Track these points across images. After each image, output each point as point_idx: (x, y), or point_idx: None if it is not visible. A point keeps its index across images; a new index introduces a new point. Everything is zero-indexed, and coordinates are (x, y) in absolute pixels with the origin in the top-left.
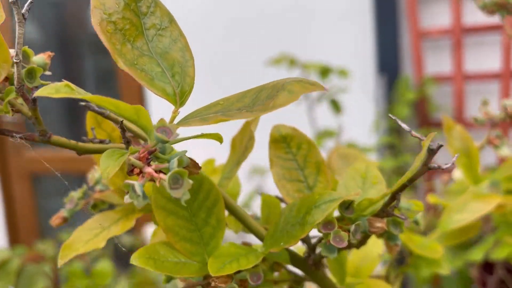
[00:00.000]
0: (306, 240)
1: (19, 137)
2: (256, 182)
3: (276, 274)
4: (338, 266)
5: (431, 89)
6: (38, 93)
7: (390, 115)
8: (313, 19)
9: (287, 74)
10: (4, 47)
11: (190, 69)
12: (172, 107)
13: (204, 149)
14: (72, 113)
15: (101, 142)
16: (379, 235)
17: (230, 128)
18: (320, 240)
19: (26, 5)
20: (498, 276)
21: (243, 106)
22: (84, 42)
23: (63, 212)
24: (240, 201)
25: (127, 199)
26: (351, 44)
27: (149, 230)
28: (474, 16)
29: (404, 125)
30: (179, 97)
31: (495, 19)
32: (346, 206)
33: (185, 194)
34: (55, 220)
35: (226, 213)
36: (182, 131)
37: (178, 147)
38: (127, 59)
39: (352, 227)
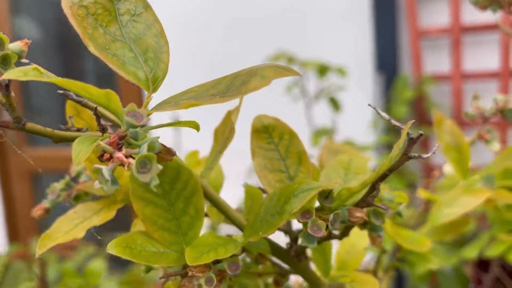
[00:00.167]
0: (288, 232)
1: None
2: (256, 181)
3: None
4: (322, 258)
5: (429, 87)
6: (5, 76)
7: (369, 104)
8: (312, 18)
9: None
10: None
11: (164, 55)
12: (171, 112)
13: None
14: None
15: (79, 130)
16: (362, 227)
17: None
18: (301, 230)
19: None
20: (494, 274)
21: (217, 92)
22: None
23: (45, 203)
24: (240, 201)
25: (96, 184)
26: (350, 43)
27: None
28: (473, 15)
29: (383, 114)
30: (151, 83)
31: (493, 18)
32: (326, 195)
33: (153, 178)
34: (36, 211)
35: (209, 204)
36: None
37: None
38: (98, 43)
39: (331, 216)
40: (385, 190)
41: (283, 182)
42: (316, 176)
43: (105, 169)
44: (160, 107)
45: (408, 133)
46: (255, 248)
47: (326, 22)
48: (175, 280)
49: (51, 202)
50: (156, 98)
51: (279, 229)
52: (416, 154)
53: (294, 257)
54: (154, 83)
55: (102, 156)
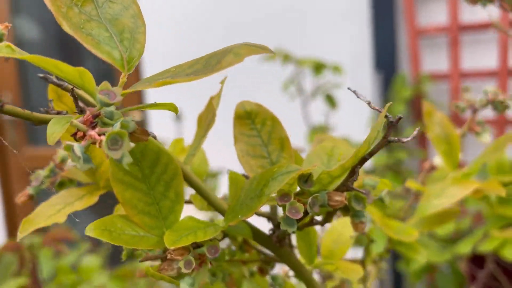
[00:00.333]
0: (271, 218)
1: None
2: None
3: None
4: (307, 246)
5: (427, 86)
6: None
7: (349, 87)
8: (311, 17)
9: (282, 69)
10: None
11: (140, 36)
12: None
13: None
14: None
15: (58, 113)
16: (345, 213)
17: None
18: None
19: None
20: (488, 270)
21: (193, 71)
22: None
23: (29, 190)
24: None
25: (69, 162)
26: (349, 42)
27: None
28: (471, 14)
29: (362, 96)
30: (126, 62)
31: (491, 17)
32: (305, 179)
33: (125, 155)
34: (20, 198)
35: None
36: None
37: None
38: (73, 22)
39: (309, 200)
40: (368, 177)
41: (265, 168)
42: (299, 162)
43: (77, 146)
44: (134, 86)
45: (387, 116)
46: (236, 232)
47: (325, 22)
48: (156, 265)
49: (35, 188)
50: (156, 96)
51: (263, 215)
52: (396, 138)
53: (276, 242)
54: (130, 63)
55: (76, 135)
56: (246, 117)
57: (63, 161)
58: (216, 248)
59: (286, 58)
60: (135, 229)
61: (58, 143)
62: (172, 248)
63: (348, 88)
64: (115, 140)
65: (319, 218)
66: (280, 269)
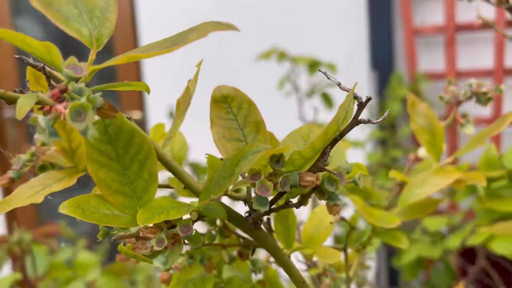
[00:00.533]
0: (247, 200)
1: None
2: None
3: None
4: (285, 230)
5: (423, 85)
6: None
7: (328, 74)
8: (308, 16)
9: (277, 67)
10: None
11: (111, 15)
12: (166, 104)
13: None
14: None
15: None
16: (320, 196)
17: None
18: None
19: None
20: (480, 265)
21: (161, 47)
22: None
23: (10, 173)
24: None
25: (37, 135)
26: (346, 41)
27: None
28: (468, 13)
29: (332, 78)
30: (95, 40)
31: (489, 16)
32: (276, 160)
33: (88, 128)
34: (0, 181)
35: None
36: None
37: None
38: None
39: (280, 179)
40: (343, 160)
41: None
42: (275, 145)
43: (41, 118)
44: (106, 62)
45: (357, 98)
46: (211, 214)
47: (323, 21)
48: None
49: (16, 172)
50: (156, 95)
51: (239, 198)
52: (366, 119)
53: (252, 224)
54: (99, 40)
55: (43, 109)
56: (223, 100)
57: (43, 145)
58: (189, 227)
59: (282, 56)
60: (110, 208)
61: None
62: (144, 226)
63: (324, 73)
64: (78, 113)
65: (294, 200)
66: (264, 254)
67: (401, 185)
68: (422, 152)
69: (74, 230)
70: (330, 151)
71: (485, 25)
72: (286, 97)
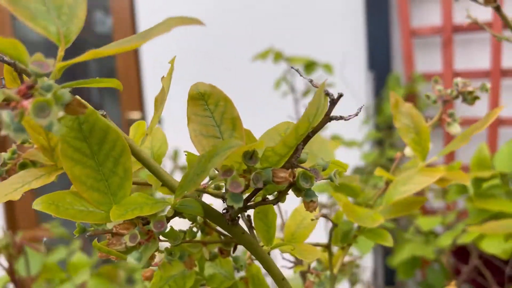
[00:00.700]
0: (224, 197)
1: None
2: None
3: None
4: (265, 227)
5: (420, 86)
6: None
7: (299, 71)
8: (305, 16)
9: (273, 68)
10: None
11: (80, 11)
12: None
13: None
14: None
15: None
16: (297, 193)
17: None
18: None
19: None
20: (473, 264)
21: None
22: (86, 42)
23: None
24: None
25: (2, 131)
26: (343, 41)
27: None
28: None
29: (303, 75)
30: (63, 37)
31: (485, 17)
32: (249, 156)
33: (53, 124)
34: None
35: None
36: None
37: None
38: None
39: (252, 175)
40: (320, 157)
41: None
42: (252, 142)
43: (5, 112)
44: (69, 60)
45: (329, 94)
46: (187, 210)
47: (320, 21)
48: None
49: None
50: (155, 94)
51: (217, 195)
52: (338, 115)
53: (229, 221)
54: (67, 37)
55: (9, 105)
56: (200, 98)
57: (24, 142)
58: (162, 222)
59: (278, 56)
60: (85, 204)
61: None
62: (117, 222)
63: (296, 70)
64: (42, 108)
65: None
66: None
67: (388, 183)
68: (408, 151)
69: (70, 230)
70: (302, 148)
71: (483, 26)
72: (282, 97)
